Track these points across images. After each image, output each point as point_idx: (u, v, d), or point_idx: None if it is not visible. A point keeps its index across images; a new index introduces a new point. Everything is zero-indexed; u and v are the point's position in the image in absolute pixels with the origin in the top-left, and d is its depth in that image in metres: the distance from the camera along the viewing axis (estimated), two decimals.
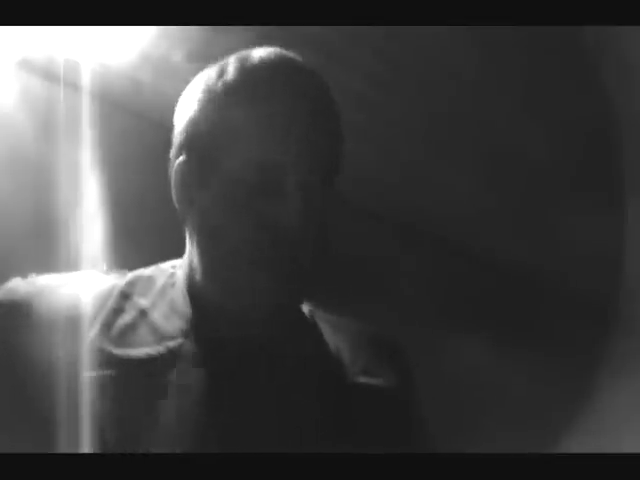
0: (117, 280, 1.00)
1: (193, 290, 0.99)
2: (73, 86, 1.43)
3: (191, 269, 1.00)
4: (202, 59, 1.51)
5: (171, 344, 0.94)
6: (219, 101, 0.98)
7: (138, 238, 1.54)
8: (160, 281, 1.01)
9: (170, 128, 1.09)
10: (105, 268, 1.04)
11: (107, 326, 0.94)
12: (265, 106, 0.96)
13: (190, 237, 1.01)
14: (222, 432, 0.90)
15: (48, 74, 1.53)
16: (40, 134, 1.54)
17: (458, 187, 1.94)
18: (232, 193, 0.95)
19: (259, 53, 1.01)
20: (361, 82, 1.75)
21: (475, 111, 1.80)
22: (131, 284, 0.99)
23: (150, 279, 1.01)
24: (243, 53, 1.02)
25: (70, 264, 1.26)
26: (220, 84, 0.99)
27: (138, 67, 1.60)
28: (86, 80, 1.41)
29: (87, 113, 1.38)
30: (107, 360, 0.91)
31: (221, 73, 1.01)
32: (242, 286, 0.95)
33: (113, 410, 0.88)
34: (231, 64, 1.01)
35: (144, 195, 1.40)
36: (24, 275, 1.01)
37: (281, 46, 1.05)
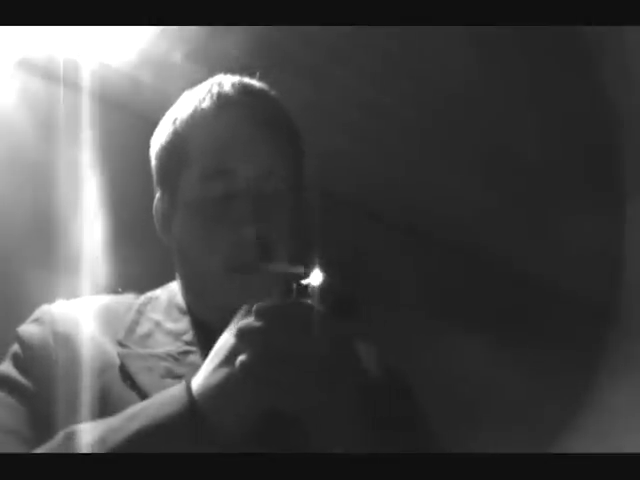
0: (132, 300, 1.12)
1: (186, 301, 1.11)
2: (73, 86, 1.43)
3: (180, 288, 1.12)
4: (202, 59, 1.51)
5: (185, 337, 1.05)
6: (168, 133, 1.10)
7: (138, 238, 1.54)
8: (166, 297, 1.13)
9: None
10: (120, 290, 1.18)
11: (130, 332, 1.06)
12: (204, 122, 1.07)
13: (175, 262, 1.13)
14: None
15: (48, 74, 1.53)
16: (40, 134, 1.54)
17: (458, 187, 1.94)
18: (191, 210, 1.06)
19: (202, 84, 1.12)
20: (361, 82, 1.75)
21: (475, 111, 1.80)
22: (144, 304, 1.11)
23: (159, 297, 1.13)
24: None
25: (70, 264, 1.26)
26: (169, 117, 1.11)
27: (138, 67, 1.60)
28: (86, 80, 1.41)
29: (87, 113, 1.38)
30: (134, 355, 1.02)
31: (172, 110, 1.12)
32: (214, 295, 1.04)
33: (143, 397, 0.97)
34: (180, 99, 1.13)
35: (144, 195, 1.40)
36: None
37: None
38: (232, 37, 1.42)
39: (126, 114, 1.64)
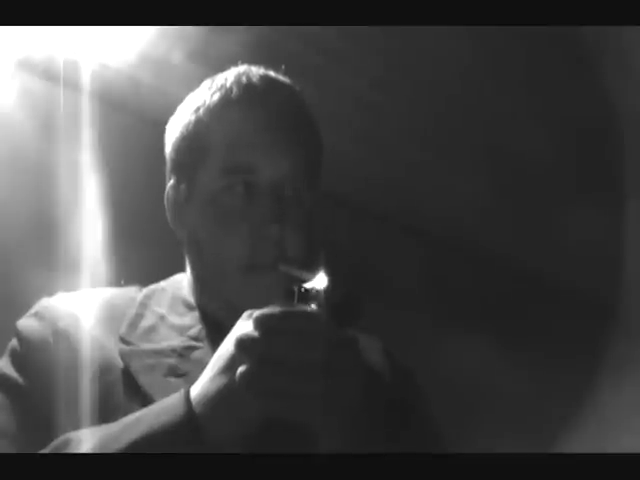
0: (135, 293, 1.10)
1: (196, 297, 1.09)
2: (73, 86, 1.43)
3: (190, 282, 1.10)
4: (202, 59, 1.51)
5: (191, 332, 1.03)
6: (190, 121, 1.07)
7: (138, 238, 1.54)
8: (171, 290, 1.11)
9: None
10: (122, 282, 1.16)
11: (133, 327, 1.04)
12: (231, 114, 1.04)
13: (185, 254, 1.11)
14: None
15: (48, 74, 1.53)
16: (40, 134, 1.54)
17: (458, 187, 1.94)
18: (209, 203, 1.04)
19: (227, 72, 1.09)
20: (361, 82, 1.75)
21: (475, 111, 1.80)
22: (147, 297, 1.09)
23: (164, 290, 1.11)
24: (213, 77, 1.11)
25: (70, 264, 1.26)
26: (190, 105, 1.08)
27: (138, 67, 1.60)
28: (86, 80, 1.41)
29: (87, 113, 1.38)
30: (136, 353, 1.00)
31: (193, 97, 1.10)
32: (229, 293, 1.03)
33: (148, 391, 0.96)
34: (202, 86, 1.10)
35: (144, 195, 1.40)
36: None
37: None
38: (232, 37, 1.42)
39: (126, 114, 1.63)
